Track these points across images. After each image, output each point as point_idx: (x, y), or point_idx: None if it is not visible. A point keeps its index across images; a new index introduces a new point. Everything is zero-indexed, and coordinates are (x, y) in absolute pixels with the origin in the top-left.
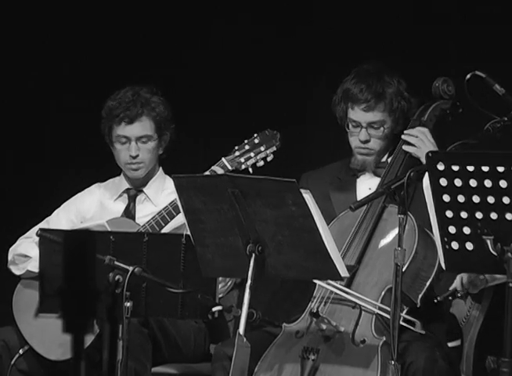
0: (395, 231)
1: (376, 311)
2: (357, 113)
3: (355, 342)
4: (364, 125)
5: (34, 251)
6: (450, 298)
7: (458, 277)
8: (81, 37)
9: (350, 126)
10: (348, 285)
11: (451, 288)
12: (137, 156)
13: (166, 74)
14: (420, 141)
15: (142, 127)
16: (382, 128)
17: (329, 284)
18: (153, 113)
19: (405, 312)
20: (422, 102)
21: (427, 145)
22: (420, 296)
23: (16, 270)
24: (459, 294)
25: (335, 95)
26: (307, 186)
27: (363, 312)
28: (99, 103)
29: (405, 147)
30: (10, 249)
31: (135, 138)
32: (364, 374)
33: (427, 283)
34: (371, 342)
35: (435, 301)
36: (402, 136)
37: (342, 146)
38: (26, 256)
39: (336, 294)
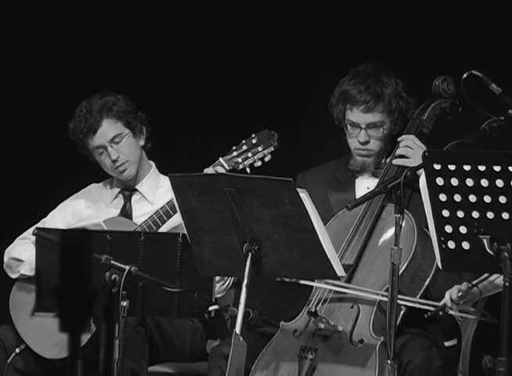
0: (394, 230)
1: (379, 298)
2: (356, 115)
3: (353, 342)
4: (363, 126)
5: (26, 254)
6: (440, 313)
7: (447, 293)
8: (81, 37)
9: (349, 127)
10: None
11: (441, 304)
12: (118, 157)
13: (165, 74)
14: (410, 151)
15: (108, 130)
16: (381, 129)
17: (327, 283)
18: (111, 113)
19: (403, 312)
20: (421, 101)
21: (419, 151)
22: (418, 296)
23: (12, 274)
24: (448, 310)
25: (332, 97)
26: (303, 186)
27: (361, 312)
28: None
29: (396, 161)
30: (6, 251)
31: (107, 142)
32: (362, 374)
33: (426, 283)
34: (369, 342)
35: (425, 316)
36: (393, 161)
37: (340, 146)
38: (19, 260)
39: (334, 293)
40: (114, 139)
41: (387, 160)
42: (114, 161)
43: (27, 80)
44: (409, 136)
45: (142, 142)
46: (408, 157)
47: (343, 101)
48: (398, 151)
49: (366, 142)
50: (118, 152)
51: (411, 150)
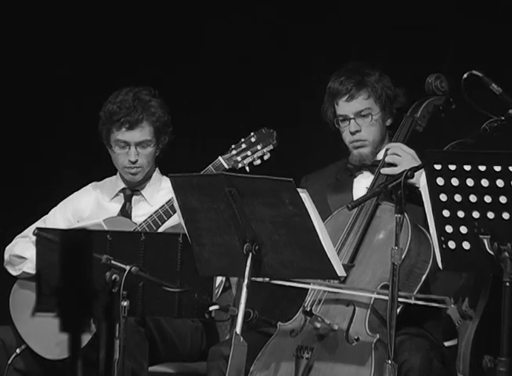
0: (388, 228)
1: (375, 295)
2: (342, 107)
3: (349, 340)
4: (351, 117)
5: (29, 252)
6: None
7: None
8: (76, 38)
9: (340, 123)
10: (342, 283)
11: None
12: (136, 161)
13: (164, 74)
14: (397, 158)
15: (142, 132)
16: (370, 117)
17: (322, 285)
18: (152, 118)
19: (399, 309)
20: (415, 98)
21: (407, 158)
22: (414, 293)
23: (13, 271)
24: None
25: (323, 104)
26: (306, 188)
27: (357, 311)
28: (96, 104)
29: (384, 170)
30: (6, 248)
31: (134, 143)
32: (358, 372)
33: (422, 280)
34: (365, 340)
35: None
36: (381, 170)
37: (340, 146)
38: (21, 257)
39: (330, 292)
40: (142, 144)
41: (379, 157)
42: (130, 162)
43: (27, 80)
44: (395, 144)
45: (157, 153)
46: (396, 165)
47: (329, 98)
48: (386, 159)
49: (357, 131)
50: (138, 156)
51: (399, 157)
